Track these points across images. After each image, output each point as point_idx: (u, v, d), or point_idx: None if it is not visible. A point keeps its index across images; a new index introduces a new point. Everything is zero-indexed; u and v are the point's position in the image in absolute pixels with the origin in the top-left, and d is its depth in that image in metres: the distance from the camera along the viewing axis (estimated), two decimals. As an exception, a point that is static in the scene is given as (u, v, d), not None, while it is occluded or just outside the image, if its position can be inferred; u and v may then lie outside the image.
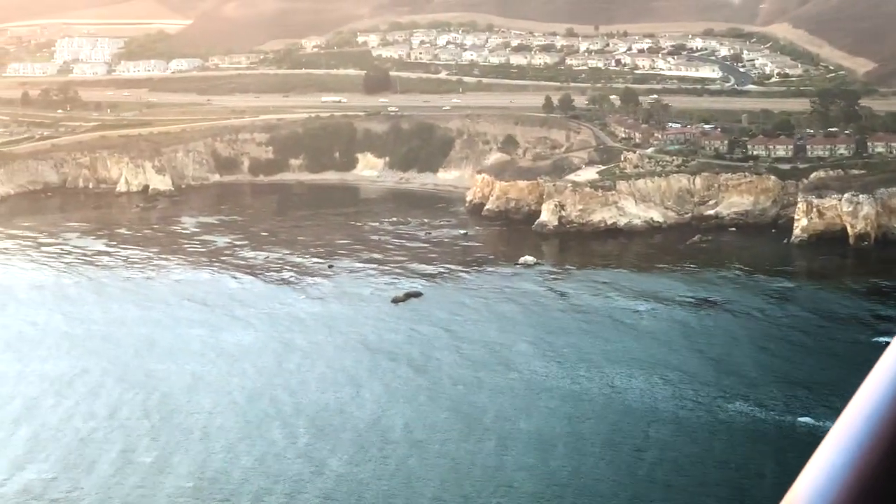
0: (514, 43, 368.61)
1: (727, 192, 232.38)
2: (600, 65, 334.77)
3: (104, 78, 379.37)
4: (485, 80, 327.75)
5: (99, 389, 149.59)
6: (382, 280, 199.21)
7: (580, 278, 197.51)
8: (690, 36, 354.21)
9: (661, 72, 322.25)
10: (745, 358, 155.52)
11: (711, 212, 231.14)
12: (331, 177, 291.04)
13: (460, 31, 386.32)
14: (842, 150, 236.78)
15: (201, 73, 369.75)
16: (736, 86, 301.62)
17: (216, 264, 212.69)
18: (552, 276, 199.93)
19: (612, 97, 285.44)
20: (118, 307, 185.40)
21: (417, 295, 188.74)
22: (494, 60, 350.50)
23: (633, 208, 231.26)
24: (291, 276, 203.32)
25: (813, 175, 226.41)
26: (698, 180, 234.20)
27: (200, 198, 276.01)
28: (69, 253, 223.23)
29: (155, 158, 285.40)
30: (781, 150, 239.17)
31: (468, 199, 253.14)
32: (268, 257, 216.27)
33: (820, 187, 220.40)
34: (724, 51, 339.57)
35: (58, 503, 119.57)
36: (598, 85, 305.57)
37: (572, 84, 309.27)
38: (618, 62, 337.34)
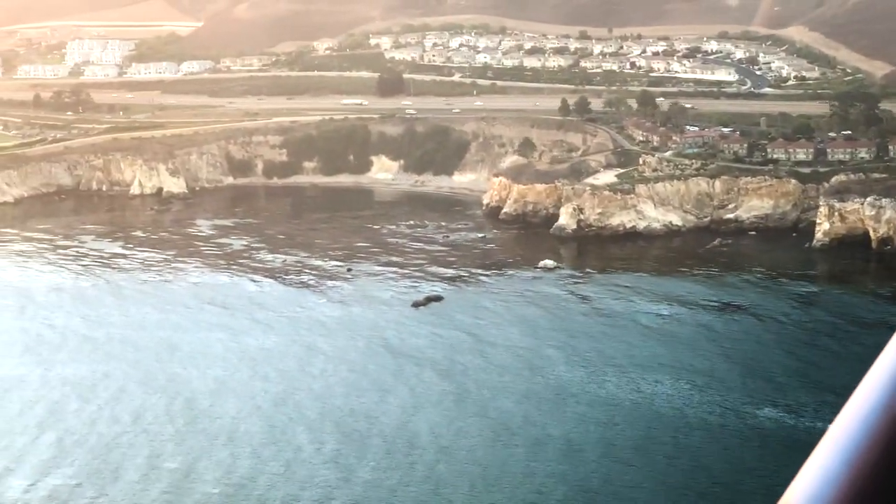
0: (528, 45, 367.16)
1: (747, 196, 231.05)
2: (615, 67, 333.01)
3: (115, 80, 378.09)
4: (499, 83, 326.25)
5: (121, 394, 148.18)
6: (402, 283, 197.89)
7: (601, 282, 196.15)
8: (705, 39, 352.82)
9: (677, 74, 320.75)
10: (773, 363, 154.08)
11: (731, 215, 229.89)
12: (345, 179, 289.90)
13: (473, 34, 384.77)
14: (863, 153, 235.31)
15: (213, 76, 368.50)
16: (752, 89, 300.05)
17: (234, 267, 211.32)
18: (573, 280, 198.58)
19: (629, 100, 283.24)
20: (137, 310, 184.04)
21: (438, 299, 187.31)
22: (508, 63, 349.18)
23: (652, 212, 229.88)
24: (310, 280, 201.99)
25: (834, 179, 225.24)
26: (717, 184, 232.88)
27: (214, 200, 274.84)
28: (86, 255, 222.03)
29: (169, 161, 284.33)
30: (801, 154, 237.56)
31: (485, 202, 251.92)
32: (285, 260, 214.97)
33: (842, 191, 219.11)
34: (739, 53, 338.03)
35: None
36: (614, 88, 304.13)
37: (587, 87, 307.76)
38: (632, 65, 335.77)
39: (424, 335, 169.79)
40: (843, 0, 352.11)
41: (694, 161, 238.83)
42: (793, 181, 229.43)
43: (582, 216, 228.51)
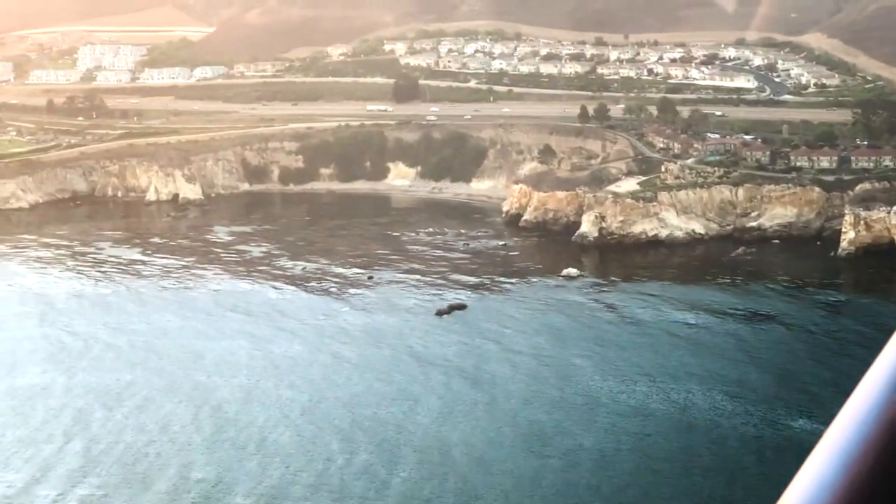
0: (543, 51, 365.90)
1: (770, 204, 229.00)
2: (632, 74, 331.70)
3: (128, 85, 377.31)
4: (516, 90, 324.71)
5: (147, 403, 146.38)
6: (424, 291, 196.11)
7: (627, 290, 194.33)
8: (723, 45, 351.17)
9: (695, 81, 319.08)
10: (805, 372, 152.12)
11: (754, 224, 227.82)
12: (361, 186, 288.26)
13: (488, 40, 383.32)
14: (887, 161, 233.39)
15: (226, 81, 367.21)
16: (772, 96, 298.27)
17: (254, 274, 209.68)
18: (597, 288, 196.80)
19: (649, 107, 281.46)
20: (159, 317, 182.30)
21: (462, 307, 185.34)
22: (524, 69, 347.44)
23: (675, 220, 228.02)
24: (332, 287, 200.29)
25: (858, 187, 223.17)
26: (741, 192, 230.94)
27: (231, 207, 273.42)
28: (104, 262, 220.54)
29: (184, 167, 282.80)
30: (825, 162, 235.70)
31: (504, 209, 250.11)
32: (305, 267, 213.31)
33: (867, 199, 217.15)
34: (757, 60, 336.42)
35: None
36: (632, 94, 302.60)
37: (605, 93, 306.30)
38: (650, 71, 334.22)
39: (450, 343, 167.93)
40: (861, 6, 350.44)
41: (716, 169, 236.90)
42: (817, 189, 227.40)
43: (604, 224, 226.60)
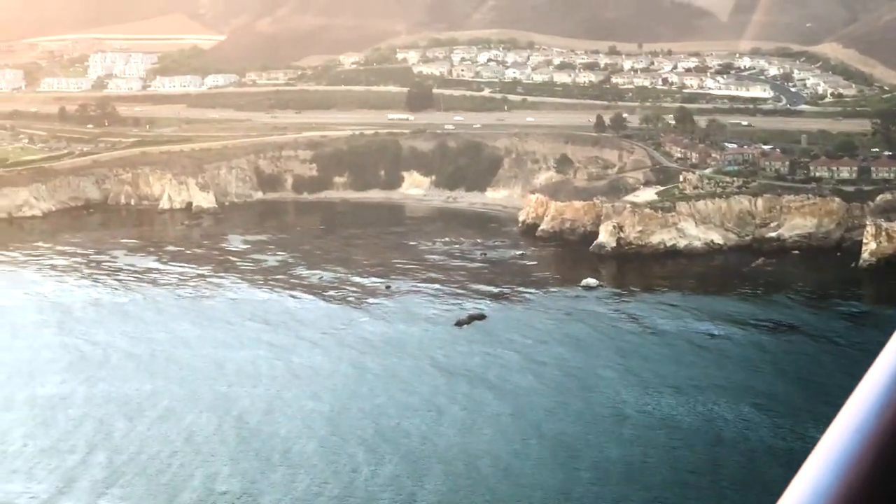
0: (557, 61, 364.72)
1: (789, 215, 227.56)
2: (647, 83, 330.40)
3: (140, 93, 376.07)
4: (530, 99, 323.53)
5: (169, 413, 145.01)
6: (443, 301, 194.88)
7: (647, 300, 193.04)
8: (737, 55, 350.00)
9: (711, 91, 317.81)
10: (833, 384, 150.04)
11: (773, 234, 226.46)
12: (375, 195, 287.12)
13: (501, 49, 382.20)
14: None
15: (238, 89, 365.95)
16: (789, 106, 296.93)
17: (271, 283, 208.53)
18: (617, 298, 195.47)
19: (666, 116, 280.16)
20: (179, 326, 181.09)
21: (481, 317, 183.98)
22: (538, 78, 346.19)
23: (693, 230, 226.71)
24: (350, 296, 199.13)
25: (879, 197, 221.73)
26: (760, 202, 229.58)
27: (245, 215, 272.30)
28: (121, 270, 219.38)
29: (198, 175, 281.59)
30: (845, 172, 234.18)
31: (521, 218, 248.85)
32: (322, 276, 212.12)
33: (888, 210, 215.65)
34: (773, 70, 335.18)
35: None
36: (648, 104, 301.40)
37: (620, 103, 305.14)
38: (665, 81, 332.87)
39: (472, 354, 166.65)
40: (877, 16, 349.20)
41: (735, 179, 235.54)
42: (837, 200, 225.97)
43: (622, 234, 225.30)
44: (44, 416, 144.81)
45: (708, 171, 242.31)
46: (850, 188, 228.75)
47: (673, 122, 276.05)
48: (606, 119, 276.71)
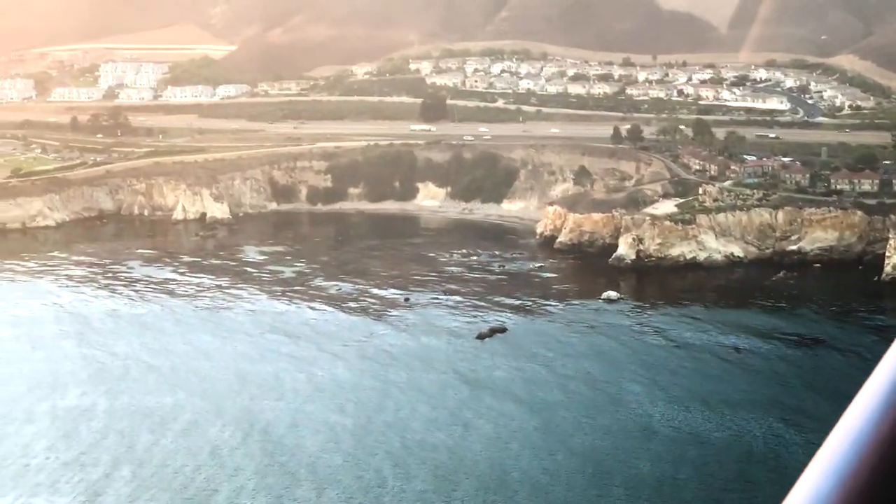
0: (571, 72, 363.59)
1: (810, 228, 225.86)
2: (662, 95, 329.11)
3: (151, 103, 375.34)
4: (545, 110, 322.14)
5: (193, 426, 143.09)
6: (463, 313, 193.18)
7: (670, 313, 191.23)
8: (753, 67, 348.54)
9: (727, 103, 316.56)
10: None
11: (794, 247, 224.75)
12: (390, 206, 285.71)
13: (514, 60, 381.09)
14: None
15: (251, 100, 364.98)
16: (807, 118, 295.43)
17: (289, 294, 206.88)
18: (640, 311, 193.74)
19: (684, 128, 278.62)
20: (198, 338, 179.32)
21: (503, 330, 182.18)
22: (552, 89, 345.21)
23: (713, 243, 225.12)
24: (370, 308, 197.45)
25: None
26: (780, 215, 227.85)
27: (259, 226, 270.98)
28: (137, 280, 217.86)
29: (212, 186, 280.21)
30: (867, 185, 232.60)
31: (539, 230, 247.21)
32: (340, 288, 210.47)
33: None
34: (789, 82, 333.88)
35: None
36: (664, 115, 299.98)
37: (635, 115, 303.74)
38: (680, 92, 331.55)
39: (497, 367, 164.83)
40: (893, 29, 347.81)
41: (755, 191, 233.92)
42: (858, 213, 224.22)
43: (641, 247, 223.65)
44: (66, 428, 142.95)
45: (727, 183, 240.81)
46: (872, 201, 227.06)
47: (691, 134, 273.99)
48: (623, 130, 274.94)
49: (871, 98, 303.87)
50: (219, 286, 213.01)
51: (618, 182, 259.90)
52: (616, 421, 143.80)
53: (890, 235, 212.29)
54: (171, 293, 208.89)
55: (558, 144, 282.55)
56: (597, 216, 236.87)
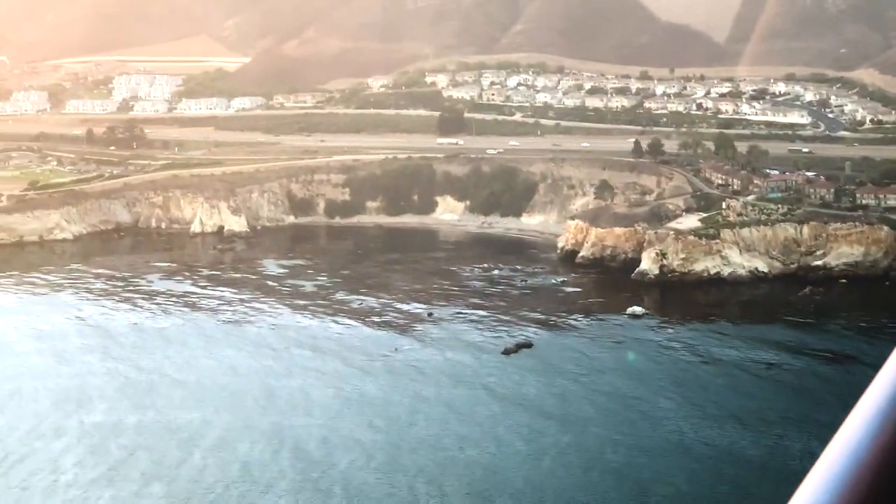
0: (588, 85, 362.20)
1: (836, 243, 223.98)
2: (680, 108, 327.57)
3: (166, 116, 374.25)
4: (563, 123, 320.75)
5: (223, 443, 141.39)
6: (488, 327, 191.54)
7: (698, 328, 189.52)
8: (772, 80, 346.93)
9: (747, 116, 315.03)
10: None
11: (819, 262, 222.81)
12: (409, 220, 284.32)
13: (530, 73, 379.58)
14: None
15: (266, 112, 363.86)
16: (828, 132, 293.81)
17: (312, 308, 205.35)
18: (667, 326, 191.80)
19: (706, 142, 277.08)
20: (224, 352, 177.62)
21: (528, 346, 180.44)
22: (569, 103, 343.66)
23: (738, 258, 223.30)
24: (394, 322, 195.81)
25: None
26: (805, 229, 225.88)
27: (277, 240, 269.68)
28: (158, 293, 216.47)
29: (230, 199, 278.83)
30: (892, 200, 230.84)
31: (560, 245, 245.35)
32: (363, 302, 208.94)
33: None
34: (809, 96, 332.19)
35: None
36: (683, 129, 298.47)
37: (654, 128, 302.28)
38: (699, 106, 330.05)
39: (526, 382, 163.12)
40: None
41: (779, 206, 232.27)
42: (885, 228, 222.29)
43: (665, 261, 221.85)
44: (94, 444, 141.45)
45: (751, 197, 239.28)
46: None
47: (713, 148, 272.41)
48: (644, 144, 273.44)
49: (893, 112, 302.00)
50: (240, 300, 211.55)
51: (639, 196, 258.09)
52: (649, 437, 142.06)
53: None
54: (193, 306, 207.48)
55: (578, 158, 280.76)
56: (619, 230, 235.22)
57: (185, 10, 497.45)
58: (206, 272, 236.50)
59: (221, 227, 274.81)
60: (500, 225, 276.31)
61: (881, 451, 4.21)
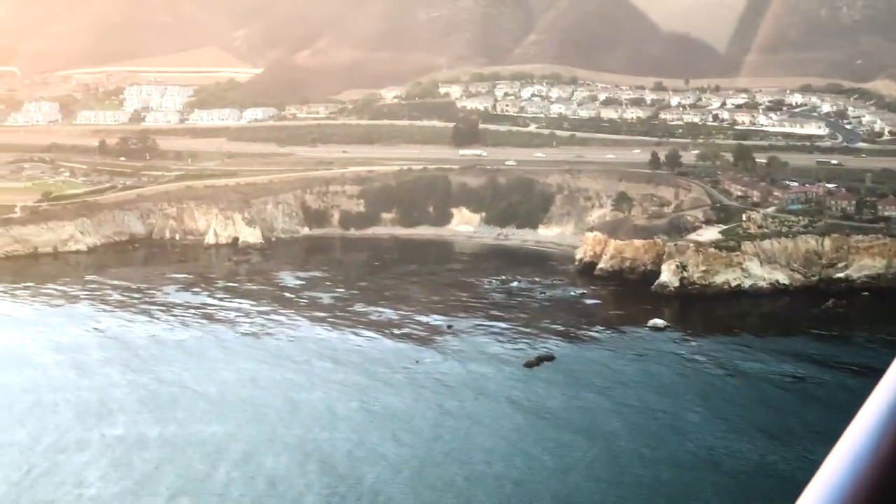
0: (602, 96, 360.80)
1: (857, 255, 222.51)
2: (696, 119, 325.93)
3: (178, 126, 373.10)
4: (578, 134, 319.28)
5: (249, 456, 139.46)
6: (509, 339, 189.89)
7: (721, 341, 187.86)
8: (788, 91, 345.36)
9: (764, 128, 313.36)
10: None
11: (841, 275, 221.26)
12: (424, 231, 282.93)
13: (544, 84, 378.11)
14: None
15: (279, 123, 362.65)
16: (846, 143, 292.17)
17: (331, 320, 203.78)
18: (690, 339, 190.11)
19: (725, 153, 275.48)
20: (245, 365, 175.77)
21: (550, 358, 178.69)
22: (584, 114, 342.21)
23: (758, 270, 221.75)
24: (414, 334, 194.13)
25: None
26: (827, 242, 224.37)
27: (292, 251, 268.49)
28: (175, 305, 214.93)
29: (244, 210, 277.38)
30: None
31: (578, 256, 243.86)
32: (382, 314, 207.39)
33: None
34: (825, 107, 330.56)
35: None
36: (700, 140, 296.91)
37: (671, 139, 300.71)
38: (715, 117, 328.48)
39: (551, 395, 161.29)
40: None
41: (800, 218, 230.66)
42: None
43: (685, 273, 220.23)
44: (117, 457, 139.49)
45: (771, 209, 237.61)
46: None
47: (731, 160, 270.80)
48: (661, 156, 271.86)
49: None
50: (259, 311, 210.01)
51: (657, 208, 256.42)
52: (677, 451, 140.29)
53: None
54: (211, 318, 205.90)
55: (596, 170, 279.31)
56: (638, 242, 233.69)
57: (194, 20, 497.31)
58: (222, 284, 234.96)
59: (236, 239, 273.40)
60: (517, 237, 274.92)
61: (881, 461, 4.18)
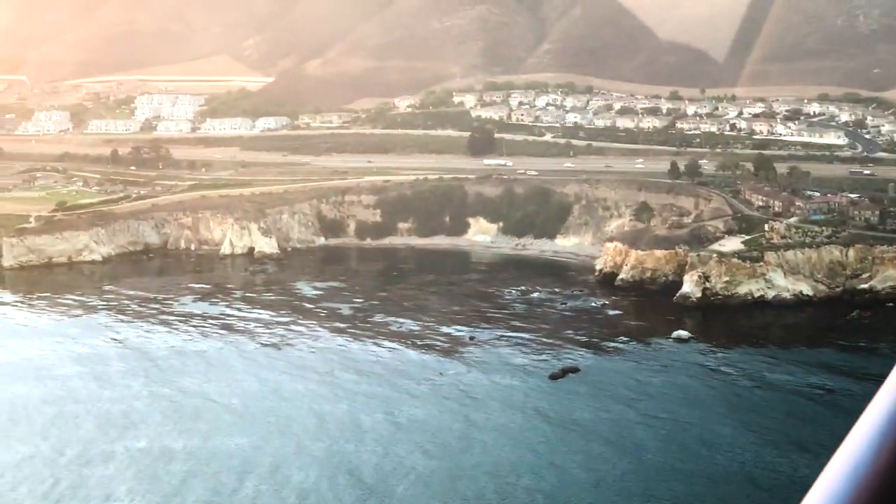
0: (617, 105, 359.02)
1: (882, 266, 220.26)
2: (714, 129, 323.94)
3: (190, 136, 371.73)
4: (595, 144, 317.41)
5: (276, 470, 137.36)
6: (532, 350, 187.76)
7: (747, 352, 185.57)
8: (806, 100, 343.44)
9: (782, 137, 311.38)
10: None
11: (865, 285, 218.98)
12: (441, 241, 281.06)
13: (559, 93, 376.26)
14: None
15: (292, 132, 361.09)
16: (866, 153, 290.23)
17: (351, 331, 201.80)
18: (715, 350, 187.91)
19: (745, 163, 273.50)
20: (268, 376, 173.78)
21: (575, 370, 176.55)
22: (599, 123, 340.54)
23: (782, 281, 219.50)
24: (437, 345, 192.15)
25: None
26: (851, 252, 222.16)
27: (309, 261, 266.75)
28: (193, 315, 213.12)
29: (260, 220, 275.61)
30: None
31: (598, 267, 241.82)
32: (402, 325, 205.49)
33: None
34: (844, 116, 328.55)
35: None
36: (718, 150, 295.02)
37: (688, 149, 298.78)
38: (733, 126, 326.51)
39: (578, 407, 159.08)
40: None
41: (824, 228, 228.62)
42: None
43: (707, 284, 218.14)
44: (143, 470, 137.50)
45: (793, 220, 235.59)
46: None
47: (752, 169, 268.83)
48: (681, 165, 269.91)
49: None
50: (278, 322, 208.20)
51: (677, 218, 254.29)
52: (709, 465, 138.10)
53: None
54: (231, 329, 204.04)
55: (615, 179, 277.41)
56: (660, 253, 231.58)
57: (204, 29, 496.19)
58: (239, 294, 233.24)
59: (252, 249, 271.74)
60: (535, 247, 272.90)
61: (881, 468, 4.25)
